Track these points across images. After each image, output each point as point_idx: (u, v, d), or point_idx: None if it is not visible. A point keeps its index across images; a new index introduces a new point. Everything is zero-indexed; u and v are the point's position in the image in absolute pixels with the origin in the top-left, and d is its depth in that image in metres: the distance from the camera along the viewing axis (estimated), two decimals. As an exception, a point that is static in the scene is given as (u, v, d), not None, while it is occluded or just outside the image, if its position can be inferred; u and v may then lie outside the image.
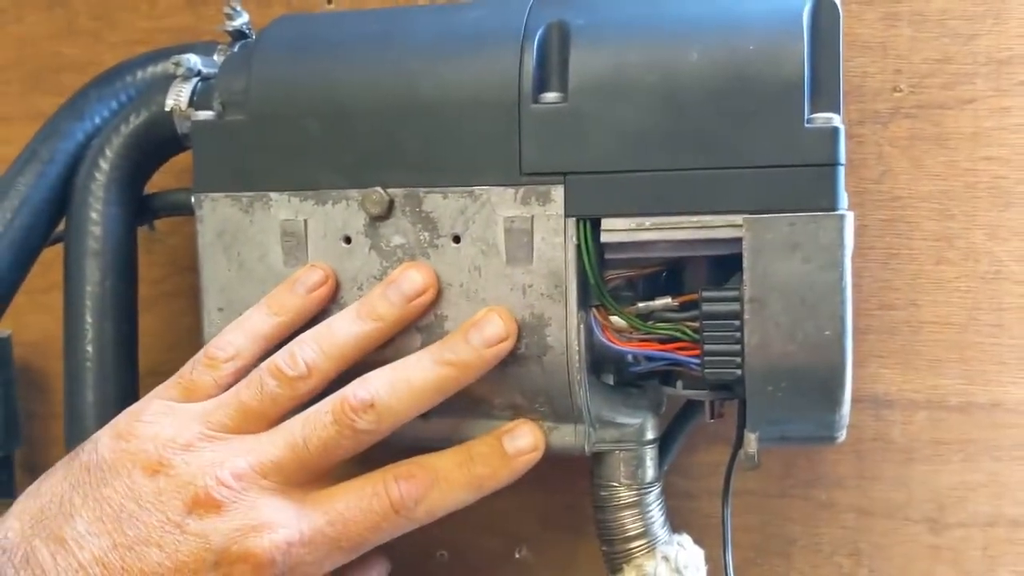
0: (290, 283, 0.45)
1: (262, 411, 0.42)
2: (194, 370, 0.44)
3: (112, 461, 0.41)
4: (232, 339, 0.44)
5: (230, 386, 0.43)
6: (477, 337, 0.43)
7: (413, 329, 0.45)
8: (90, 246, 0.49)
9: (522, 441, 0.45)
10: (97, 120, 0.52)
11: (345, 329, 0.43)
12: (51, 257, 0.54)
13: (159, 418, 0.42)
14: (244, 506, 0.40)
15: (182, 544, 0.39)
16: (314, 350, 0.43)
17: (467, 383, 0.43)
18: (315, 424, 0.41)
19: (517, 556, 0.59)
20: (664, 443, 0.49)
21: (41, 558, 0.39)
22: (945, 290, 0.52)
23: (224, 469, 0.40)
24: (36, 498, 0.41)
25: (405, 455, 0.44)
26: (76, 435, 0.48)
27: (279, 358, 0.43)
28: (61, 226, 0.52)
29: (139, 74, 0.53)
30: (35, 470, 0.65)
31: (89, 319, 0.49)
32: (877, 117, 0.52)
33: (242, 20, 0.52)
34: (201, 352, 0.44)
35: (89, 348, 0.49)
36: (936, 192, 0.52)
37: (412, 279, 0.44)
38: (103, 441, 0.42)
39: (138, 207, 0.52)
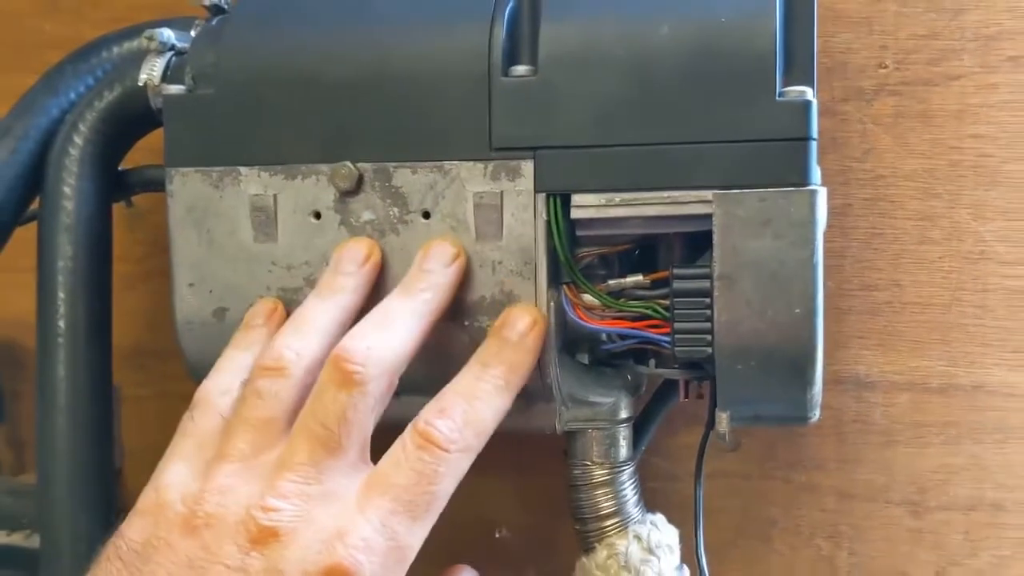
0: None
1: (272, 417, 0.40)
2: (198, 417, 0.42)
3: (144, 540, 0.38)
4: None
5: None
6: (431, 262, 0.43)
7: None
8: (63, 221, 0.49)
9: (520, 323, 0.42)
10: (72, 96, 0.51)
11: (314, 309, 0.43)
12: (33, 235, 0.53)
13: (176, 477, 0.39)
14: (301, 523, 0.37)
15: None
16: (291, 336, 0.42)
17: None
18: (322, 401, 0.39)
19: (497, 536, 0.58)
20: (641, 423, 0.49)
21: None
22: (928, 270, 0.52)
23: (265, 495, 0.37)
24: None
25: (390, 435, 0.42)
26: (47, 408, 0.48)
27: (260, 359, 0.41)
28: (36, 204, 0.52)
29: (115, 49, 0.53)
30: (18, 447, 0.66)
31: (61, 295, 0.48)
32: (861, 94, 0.52)
33: (220, -6, 0.51)
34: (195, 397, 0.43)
35: (61, 324, 0.48)
36: (920, 171, 0.51)
37: (354, 248, 0.44)
38: (130, 524, 0.39)
39: (113, 183, 0.52)
